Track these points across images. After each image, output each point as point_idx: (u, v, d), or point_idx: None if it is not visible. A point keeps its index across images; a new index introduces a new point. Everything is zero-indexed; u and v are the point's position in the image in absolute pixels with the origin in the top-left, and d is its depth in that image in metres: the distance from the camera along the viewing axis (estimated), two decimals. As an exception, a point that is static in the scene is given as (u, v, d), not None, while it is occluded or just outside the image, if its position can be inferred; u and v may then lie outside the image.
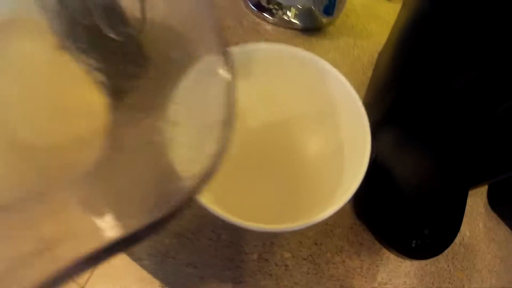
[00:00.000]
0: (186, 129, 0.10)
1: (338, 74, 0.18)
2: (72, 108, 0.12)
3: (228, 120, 0.09)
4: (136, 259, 0.29)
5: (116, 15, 0.14)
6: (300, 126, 0.23)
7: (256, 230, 0.13)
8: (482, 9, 0.18)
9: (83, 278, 1.17)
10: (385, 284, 0.30)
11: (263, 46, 0.18)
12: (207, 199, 0.13)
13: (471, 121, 0.24)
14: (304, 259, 0.29)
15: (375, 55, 0.44)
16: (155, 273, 0.29)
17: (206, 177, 0.09)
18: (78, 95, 0.12)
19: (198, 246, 0.29)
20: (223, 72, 0.11)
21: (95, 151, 0.10)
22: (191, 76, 0.12)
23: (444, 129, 0.25)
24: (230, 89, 0.10)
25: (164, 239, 0.29)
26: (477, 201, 0.37)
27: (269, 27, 0.45)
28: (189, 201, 0.09)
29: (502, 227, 0.37)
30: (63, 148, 0.10)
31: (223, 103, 0.09)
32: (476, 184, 0.32)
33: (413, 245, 0.28)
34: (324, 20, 0.44)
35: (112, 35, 0.13)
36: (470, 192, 0.36)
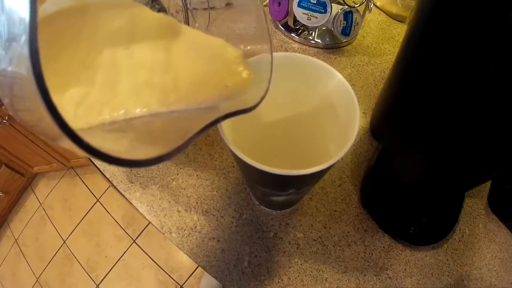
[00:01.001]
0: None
1: (340, 76, 0.22)
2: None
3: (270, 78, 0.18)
4: (166, 231, 0.34)
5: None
6: (312, 114, 0.28)
7: (272, 173, 0.17)
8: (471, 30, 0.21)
9: (100, 275, 1.22)
10: (386, 269, 0.32)
11: (287, 54, 0.23)
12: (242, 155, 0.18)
13: (464, 125, 0.26)
14: (314, 240, 0.33)
15: (387, 71, 0.48)
16: (181, 245, 0.33)
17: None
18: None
19: (221, 223, 0.34)
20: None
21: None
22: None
23: (440, 129, 0.28)
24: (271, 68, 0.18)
25: (193, 215, 0.34)
26: (477, 203, 0.38)
27: (295, 45, 0.51)
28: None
29: (503, 230, 0.37)
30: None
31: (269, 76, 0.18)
32: (473, 183, 0.34)
33: (411, 231, 0.31)
34: (343, 40, 0.50)
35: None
36: (470, 194, 0.39)
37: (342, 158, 0.38)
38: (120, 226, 1.31)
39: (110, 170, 0.39)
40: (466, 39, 0.21)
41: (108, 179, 0.39)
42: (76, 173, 1.49)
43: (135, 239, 1.27)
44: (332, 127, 0.24)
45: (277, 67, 0.22)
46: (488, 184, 0.39)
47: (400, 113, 0.33)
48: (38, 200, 1.45)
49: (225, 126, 0.20)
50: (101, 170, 0.39)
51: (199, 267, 1.15)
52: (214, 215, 0.34)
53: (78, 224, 1.34)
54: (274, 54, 0.22)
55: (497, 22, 0.18)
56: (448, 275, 0.33)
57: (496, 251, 0.36)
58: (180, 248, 0.33)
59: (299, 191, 0.23)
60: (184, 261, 1.19)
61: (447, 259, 0.34)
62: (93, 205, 1.38)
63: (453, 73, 0.23)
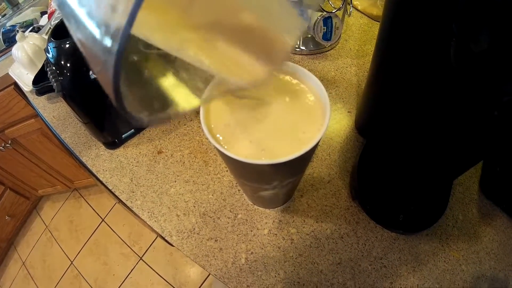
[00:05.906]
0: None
1: (316, 79, 0.24)
2: None
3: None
4: (167, 235, 0.35)
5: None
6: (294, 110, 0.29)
7: (258, 164, 0.19)
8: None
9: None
10: (381, 259, 0.33)
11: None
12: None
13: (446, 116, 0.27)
14: (307, 234, 0.34)
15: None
16: (181, 247, 0.34)
17: None
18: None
19: (218, 224, 0.35)
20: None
21: None
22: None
23: (419, 118, 0.28)
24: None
25: (191, 218, 0.35)
26: (469, 189, 0.38)
27: (280, 54, 0.54)
28: None
29: (498, 213, 0.37)
30: None
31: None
32: (457, 171, 0.35)
33: (400, 219, 0.32)
34: (326, 45, 0.52)
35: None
36: (461, 180, 0.39)
37: (329, 156, 0.40)
38: (126, 244, 1.31)
39: (112, 182, 0.40)
40: (425, 28, 0.22)
41: (110, 190, 0.40)
42: (80, 195, 1.50)
43: (142, 256, 1.27)
44: (311, 120, 0.26)
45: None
46: (479, 169, 0.39)
47: (381, 105, 0.34)
48: (44, 223, 1.46)
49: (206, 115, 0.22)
50: (104, 182, 0.40)
51: (206, 282, 1.15)
52: (211, 217, 0.35)
53: (84, 244, 1.35)
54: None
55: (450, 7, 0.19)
56: (444, 261, 0.33)
57: (493, 234, 0.35)
58: (180, 250, 0.34)
59: (283, 183, 0.25)
60: (191, 276, 1.18)
61: (442, 245, 0.34)
62: (99, 225, 1.39)
63: (418, 62, 0.24)
